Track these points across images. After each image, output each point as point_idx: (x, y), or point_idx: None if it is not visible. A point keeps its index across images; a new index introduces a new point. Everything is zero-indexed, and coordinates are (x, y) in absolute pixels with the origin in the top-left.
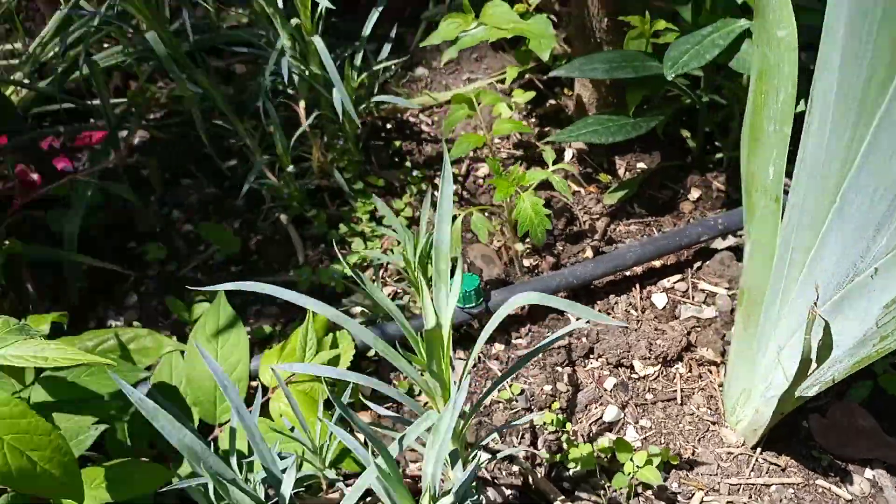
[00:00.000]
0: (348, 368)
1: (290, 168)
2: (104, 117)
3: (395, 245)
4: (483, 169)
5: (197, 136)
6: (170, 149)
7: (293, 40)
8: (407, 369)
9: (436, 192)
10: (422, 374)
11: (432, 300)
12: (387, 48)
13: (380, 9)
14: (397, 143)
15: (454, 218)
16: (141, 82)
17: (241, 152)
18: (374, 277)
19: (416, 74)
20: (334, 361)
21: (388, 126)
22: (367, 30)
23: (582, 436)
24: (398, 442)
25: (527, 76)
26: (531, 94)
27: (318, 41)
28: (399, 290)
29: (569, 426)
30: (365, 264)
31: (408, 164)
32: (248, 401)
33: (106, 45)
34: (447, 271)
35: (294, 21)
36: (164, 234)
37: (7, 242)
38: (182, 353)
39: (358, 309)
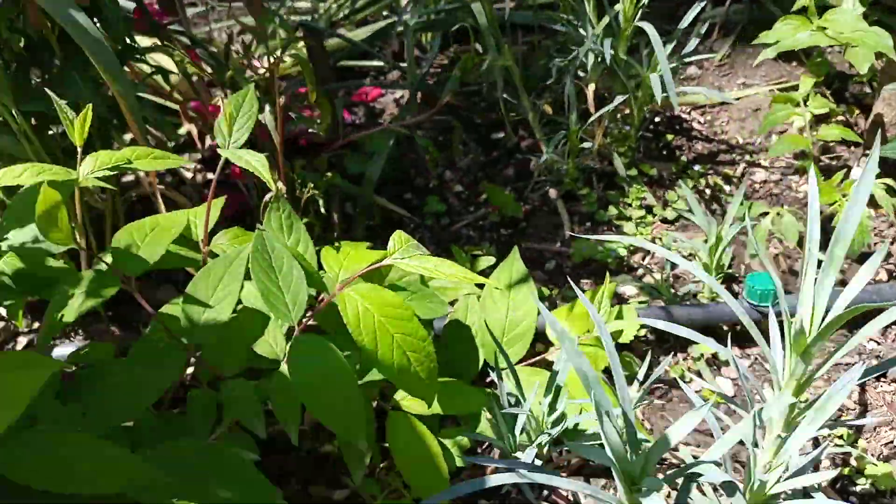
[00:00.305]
0: (630, 342)
1: (587, 144)
2: (408, 77)
3: (664, 234)
4: (759, 174)
5: (474, 105)
6: (456, 114)
7: (607, 25)
8: (764, 348)
9: (704, 191)
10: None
11: (815, 284)
12: (693, 42)
13: (702, 3)
14: (669, 137)
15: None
16: (472, 49)
17: (514, 125)
18: (640, 263)
19: (687, 73)
20: (618, 332)
21: (657, 120)
22: (685, 22)
23: (872, 455)
24: (756, 415)
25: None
26: (833, 107)
27: (648, 27)
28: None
29: (861, 443)
30: (632, 249)
31: (683, 158)
32: (531, 354)
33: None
34: (841, 258)
35: (616, 7)
36: (437, 191)
37: (329, 175)
38: (478, 297)
39: (633, 290)
